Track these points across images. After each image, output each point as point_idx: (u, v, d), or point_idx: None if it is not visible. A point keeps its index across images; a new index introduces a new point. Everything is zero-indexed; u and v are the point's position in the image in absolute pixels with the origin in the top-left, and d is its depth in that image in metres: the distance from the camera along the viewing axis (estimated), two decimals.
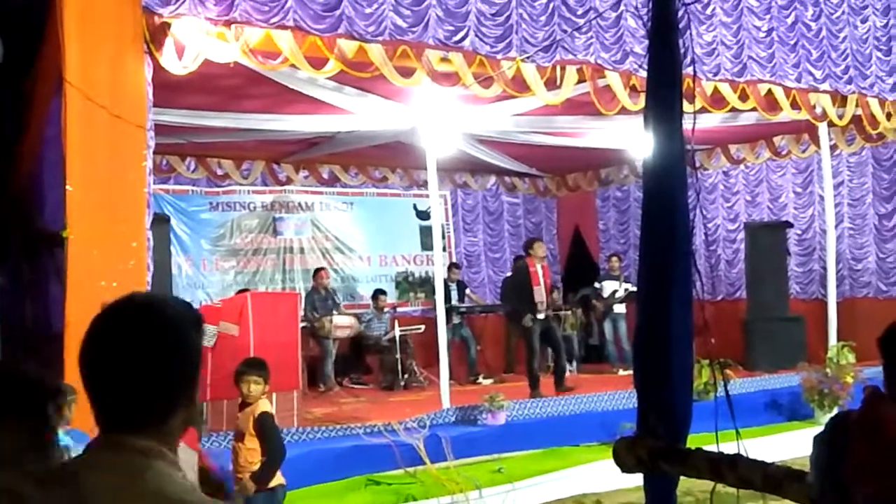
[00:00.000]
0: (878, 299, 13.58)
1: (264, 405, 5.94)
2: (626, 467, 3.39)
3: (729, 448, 3.23)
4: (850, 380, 10.52)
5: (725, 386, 3.80)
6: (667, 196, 3.44)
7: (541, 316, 11.23)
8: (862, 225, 13.93)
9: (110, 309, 1.70)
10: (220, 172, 13.99)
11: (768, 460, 3.10)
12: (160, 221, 9.78)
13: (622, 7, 9.42)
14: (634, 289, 12.34)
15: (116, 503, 1.56)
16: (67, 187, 6.68)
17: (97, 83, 6.79)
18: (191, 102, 10.06)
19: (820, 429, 2.76)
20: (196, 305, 11.42)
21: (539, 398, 10.36)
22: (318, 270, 13.68)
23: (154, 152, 7.33)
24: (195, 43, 7.46)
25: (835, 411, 9.96)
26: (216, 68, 7.93)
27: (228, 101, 10.43)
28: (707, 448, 3.23)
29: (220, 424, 8.25)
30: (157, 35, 7.20)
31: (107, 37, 6.93)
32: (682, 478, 3.46)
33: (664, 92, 3.48)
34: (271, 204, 14.70)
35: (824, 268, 13.10)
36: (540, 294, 11.23)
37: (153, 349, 1.65)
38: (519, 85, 9.18)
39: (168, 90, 7.95)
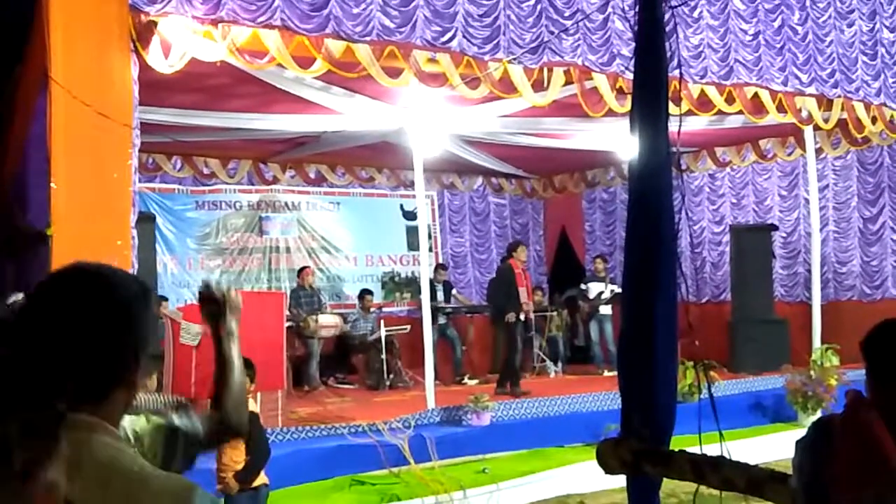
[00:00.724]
0: (863, 302, 13.65)
1: (249, 405, 5.92)
2: (609, 468, 3.39)
3: (712, 450, 3.23)
4: (833, 382, 10.57)
5: (709, 388, 3.81)
6: (652, 198, 3.45)
7: (524, 317, 11.42)
8: (847, 228, 14.00)
9: (53, 277, 1.59)
10: (206, 171, 13.95)
11: (751, 462, 3.11)
12: (145, 220, 9.76)
13: (609, 9, 9.43)
14: (620, 290, 12.35)
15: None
16: (52, 185, 6.64)
17: (83, 81, 6.75)
18: (177, 101, 10.03)
19: (803, 431, 2.76)
20: (182, 304, 11.37)
21: (523, 397, 10.40)
22: (302, 268, 13.69)
23: (140, 150, 7.31)
24: (182, 41, 7.44)
25: (818, 414, 10.02)
26: (203, 67, 7.91)
27: (215, 100, 10.40)
28: (690, 450, 3.23)
29: None
30: (143, 33, 7.18)
31: (93, 35, 6.89)
32: (665, 479, 3.47)
33: (650, 94, 3.48)
34: (257, 203, 14.66)
35: (809, 271, 13.15)
36: (524, 295, 11.40)
37: (95, 321, 1.56)
38: (506, 86, 9.18)
39: (154, 89, 7.92)
